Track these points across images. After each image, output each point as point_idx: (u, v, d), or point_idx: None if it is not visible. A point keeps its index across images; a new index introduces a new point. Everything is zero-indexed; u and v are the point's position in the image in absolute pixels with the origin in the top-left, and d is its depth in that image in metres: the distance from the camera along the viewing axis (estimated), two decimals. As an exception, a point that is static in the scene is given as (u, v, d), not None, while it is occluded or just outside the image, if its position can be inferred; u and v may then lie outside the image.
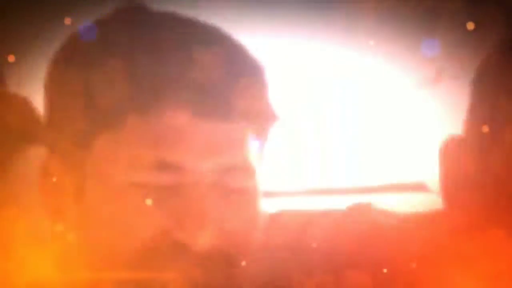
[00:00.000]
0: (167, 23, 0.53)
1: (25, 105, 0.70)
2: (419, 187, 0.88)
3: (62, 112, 0.53)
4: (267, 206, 0.55)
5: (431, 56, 1.33)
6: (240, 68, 0.51)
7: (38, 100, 0.60)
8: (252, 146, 0.51)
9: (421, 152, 0.66)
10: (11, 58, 0.94)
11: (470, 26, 1.10)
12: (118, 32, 0.51)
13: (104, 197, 0.50)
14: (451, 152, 0.53)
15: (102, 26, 0.52)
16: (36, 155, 0.59)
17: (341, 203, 0.62)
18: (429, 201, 0.58)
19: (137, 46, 0.49)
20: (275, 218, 0.60)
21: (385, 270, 0.52)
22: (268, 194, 0.54)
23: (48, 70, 0.54)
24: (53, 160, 0.53)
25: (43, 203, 0.53)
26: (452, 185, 0.53)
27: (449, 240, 0.52)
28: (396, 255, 0.53)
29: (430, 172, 0.55)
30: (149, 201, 0.49)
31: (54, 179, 0.53)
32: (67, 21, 0.70)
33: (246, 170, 0.51)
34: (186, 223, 0.48)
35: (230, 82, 0.49)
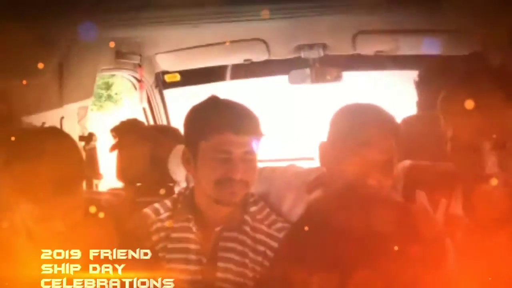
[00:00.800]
0: (223, 102, 1.44)
1: (177, 131, 1.68)
2: (311, 158, 1.85)
3: (189, 133, 1.44)
4: (260, 165, 1.46)
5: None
6: (249, 119, 1.41)
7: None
8: (255, 144, 1.40)
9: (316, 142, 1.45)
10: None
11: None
12: (210, 106, 1.43)
13: (203, 162, 1.41)
14: (322, 149, 1.43)
15: (205, 105, 1.43)
16: (180, 148, 1.52)
17: (284, 164, 1.60)
18: (314, 164, 1.52)
19: (216, 110, 1.40)
20: (262, 169, 1.54)
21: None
22: (260, 160, 1.45)
23: (187, 117, 1.45)
24: (186, 150, 1.46)
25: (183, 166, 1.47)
26: (323, 159, 1.44)
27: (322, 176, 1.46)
28: (301, 183, 1.47)
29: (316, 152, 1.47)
30: (219, 163, 1.39)
31: (186, 157, 1.45)
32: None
33: (253, 152, 1.41)
34: (232, 171, 1.38)
35: (247, 122, 1.40)
